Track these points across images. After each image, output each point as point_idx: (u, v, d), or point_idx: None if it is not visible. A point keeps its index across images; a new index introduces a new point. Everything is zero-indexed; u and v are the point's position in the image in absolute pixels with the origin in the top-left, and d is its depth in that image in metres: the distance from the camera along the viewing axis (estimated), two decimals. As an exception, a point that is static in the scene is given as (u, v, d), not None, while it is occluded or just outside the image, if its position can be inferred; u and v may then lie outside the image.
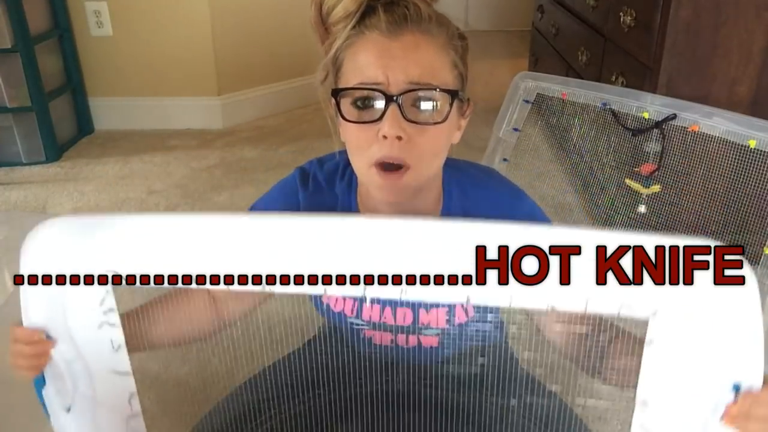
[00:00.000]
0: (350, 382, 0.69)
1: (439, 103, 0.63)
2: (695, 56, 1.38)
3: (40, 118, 2.28)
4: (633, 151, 1.32)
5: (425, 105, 0.63)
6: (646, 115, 1.26)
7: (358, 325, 0.75)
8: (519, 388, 0.70)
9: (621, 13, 1.60)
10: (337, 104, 0.65)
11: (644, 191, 1.29)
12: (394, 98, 0.61)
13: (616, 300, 0.52)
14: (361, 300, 0.71)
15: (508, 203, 0.72)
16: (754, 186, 1.12)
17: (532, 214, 0.72)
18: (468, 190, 0.73)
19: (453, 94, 0.64)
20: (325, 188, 0.74)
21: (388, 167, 0.63)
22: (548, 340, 0.67)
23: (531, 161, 1.52)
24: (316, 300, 0.76)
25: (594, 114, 1.37)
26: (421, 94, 0.62)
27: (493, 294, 0.53)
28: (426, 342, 0.76)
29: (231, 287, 0.52)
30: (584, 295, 0.52)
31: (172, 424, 1.01)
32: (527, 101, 1.49)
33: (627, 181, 1.31)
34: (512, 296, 0.54)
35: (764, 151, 1.10)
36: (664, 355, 0.52)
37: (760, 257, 1.06)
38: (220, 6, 2.51)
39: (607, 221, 1.44)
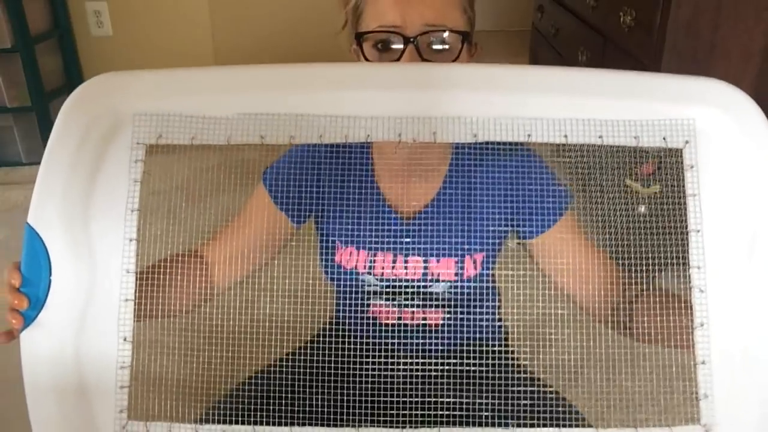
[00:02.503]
0: (351, 381, 0.69)
1: (451, 43, 0.70)
2: (695, 56, 1.38)
3: (40, 118, 2.28)
4: (633, 151, 1.31)
5: (439, 45, 0.70)
6: (646, 115, 1.26)
7: (369, 285, 0.78)
8: (521, 386, 0.71)
9: (621, 13, 1.60)
10: (360, 47, 0.71)
11: (644, 191, 1.29)
12: (411, 39, 0.68)
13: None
14: (373, 253, 0.76)
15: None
16: (754, 186, 1.12)
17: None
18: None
19: (464, 35, 0.71)
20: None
21: None
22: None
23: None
24: (327, 263, 0.80)
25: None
26: (435, 35, 0.69)
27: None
28: (431, 319, 0.79)
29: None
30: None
31: (172, 424, 1.01)
32: (527, 101, 1.49)
33: (627, 181, 1.30)
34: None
35: (764, 151, 1.10)
36: None
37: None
38: (219, 6, 2.51)
39: (607, 221, 1.44)
